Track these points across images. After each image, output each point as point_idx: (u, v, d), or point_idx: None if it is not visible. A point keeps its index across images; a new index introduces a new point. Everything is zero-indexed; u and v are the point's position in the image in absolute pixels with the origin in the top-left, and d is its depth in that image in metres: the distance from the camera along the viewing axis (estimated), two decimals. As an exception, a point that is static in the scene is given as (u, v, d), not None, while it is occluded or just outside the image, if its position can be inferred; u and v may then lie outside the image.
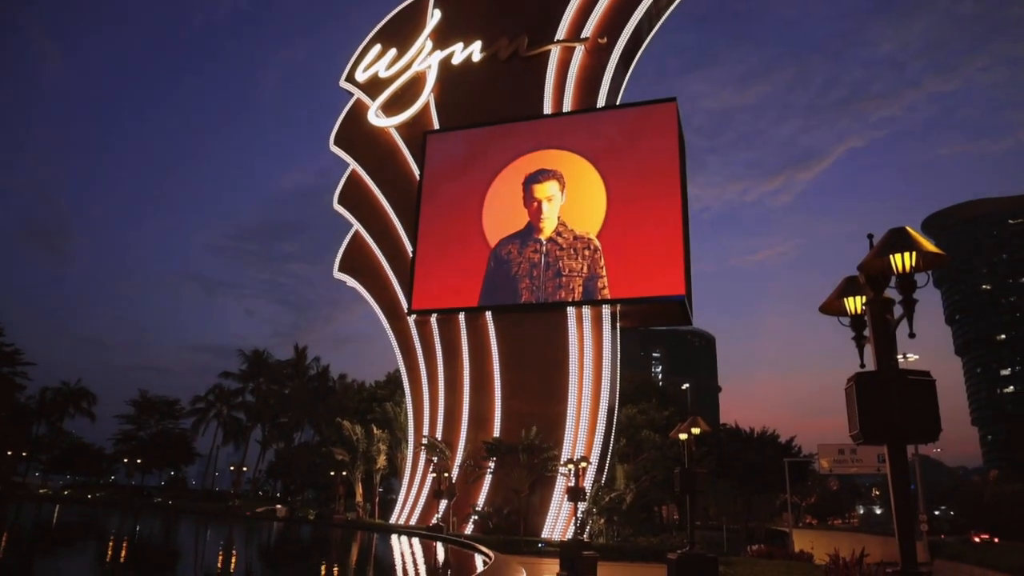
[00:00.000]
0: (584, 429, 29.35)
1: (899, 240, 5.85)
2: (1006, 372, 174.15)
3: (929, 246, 5.80)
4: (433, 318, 33.32)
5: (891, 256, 5.75)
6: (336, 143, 39.20)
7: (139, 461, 72.47)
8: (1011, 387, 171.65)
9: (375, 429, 42.01)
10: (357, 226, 37.18)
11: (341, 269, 36.95)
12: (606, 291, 29.83)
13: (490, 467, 29.95)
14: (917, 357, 63.79)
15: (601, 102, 34.47)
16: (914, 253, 5.78)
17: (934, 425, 6.14)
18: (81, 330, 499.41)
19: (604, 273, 29.98)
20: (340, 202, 37.97)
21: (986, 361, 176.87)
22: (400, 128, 37.61)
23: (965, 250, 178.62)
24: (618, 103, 35.72)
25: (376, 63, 39.29)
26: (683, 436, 13.06)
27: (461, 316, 32.69)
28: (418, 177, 35.31)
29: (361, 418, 46.78)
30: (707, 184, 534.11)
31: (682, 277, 28.63)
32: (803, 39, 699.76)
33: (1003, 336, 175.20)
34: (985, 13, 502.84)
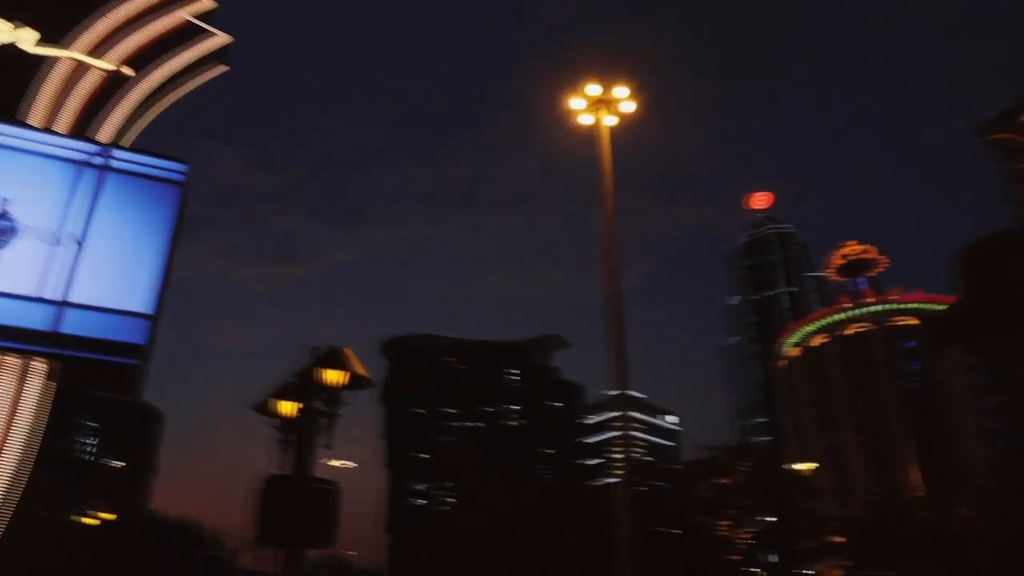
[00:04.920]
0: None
1: (334, 358, 6.56)
2: (420, 487, 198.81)
3: (360, 369, 6.64)
4: None
5: (324, 371, 6.40)
6: None
7: None
8: (422, 500, 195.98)
9: None
10: None
11: None
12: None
13: None
14: (356, 464, 68.42)
15: (107, 135, 31.31)
16: (346, 372, 6.53)
17: (331, 532, 6.73)
18: None
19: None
20: None
21: (405, 475, 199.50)
22: None
23: (410, 374, 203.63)
24: (127, 145, 32.83)
25: None
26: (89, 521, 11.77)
27: None
28: None
29: None
30: (200, 254, 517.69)
31: (144, 338, 26.51)
32: (333, 150, 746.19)
33: (425, 455, 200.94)
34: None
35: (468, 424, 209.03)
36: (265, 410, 6.00)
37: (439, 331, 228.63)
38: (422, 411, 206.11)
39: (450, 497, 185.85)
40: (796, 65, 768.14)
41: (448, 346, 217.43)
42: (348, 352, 6.85)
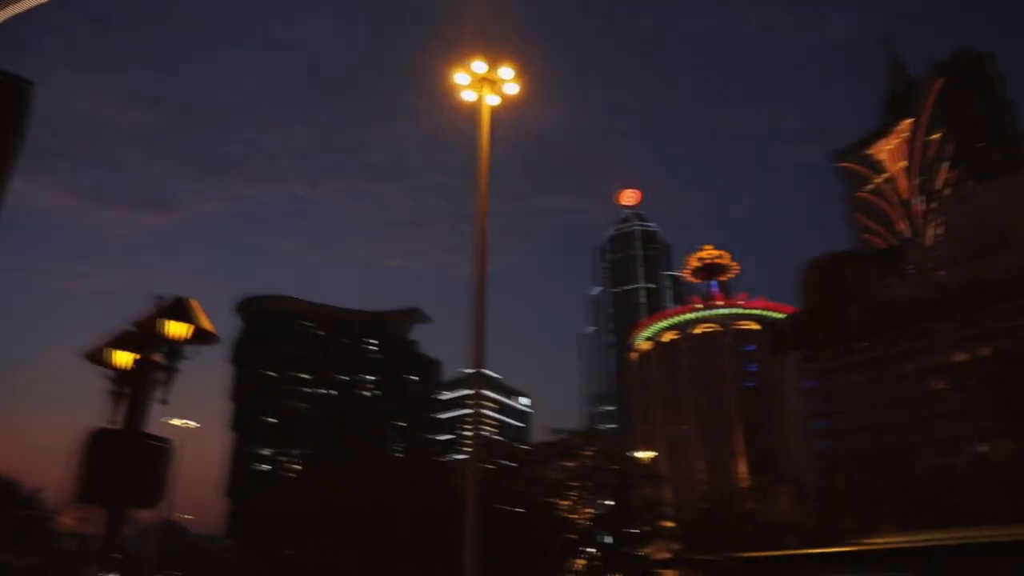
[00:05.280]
0: None
1: (179, 310, 6.04)
2: (266, 452, 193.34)
3: (206, 323, 6.15)
4: None
5: (167, 322, 5.88)
6: None
7: None
8: (267, 466, 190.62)
9: None
10: None
11: None
12: None
13: None
14: (199, 425, 65.59)
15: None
16: (191, 326, 6.04)
17: (158, 491, 6.24)
18: None
19: None
20: None
21: (252, 439, 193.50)
22: None
23: (265, 335, 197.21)
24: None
25: None
26: None
27: None
28: None
29: None
30: (50, 190, 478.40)
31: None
32: (208, 95, 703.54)
33: (274, 420, 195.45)
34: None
35: (321, 391, 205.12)
36: (98, 359, 5.46)
37: (302, 295, 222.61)
38: (274, 374, 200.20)
39: (296, 464, 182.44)
40: (679, 72, 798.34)
41: (308, 311, 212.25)
42: (195, 304, 6.36)
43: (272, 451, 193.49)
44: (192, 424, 62.88)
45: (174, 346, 5.91)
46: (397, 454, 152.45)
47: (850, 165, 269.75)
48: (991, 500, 55.00)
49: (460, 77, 22.52)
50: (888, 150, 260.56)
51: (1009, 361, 56.55)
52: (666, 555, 76.26)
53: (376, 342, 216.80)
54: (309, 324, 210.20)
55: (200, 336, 6.09)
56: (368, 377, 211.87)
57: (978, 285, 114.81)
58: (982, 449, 76.81)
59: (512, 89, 22.76)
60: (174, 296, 6.26)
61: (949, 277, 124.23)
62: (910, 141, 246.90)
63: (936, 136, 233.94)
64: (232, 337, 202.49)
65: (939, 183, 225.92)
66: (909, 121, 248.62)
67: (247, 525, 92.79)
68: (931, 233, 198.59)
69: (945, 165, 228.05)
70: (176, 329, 5.91)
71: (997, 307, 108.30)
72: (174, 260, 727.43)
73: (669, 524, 77.51)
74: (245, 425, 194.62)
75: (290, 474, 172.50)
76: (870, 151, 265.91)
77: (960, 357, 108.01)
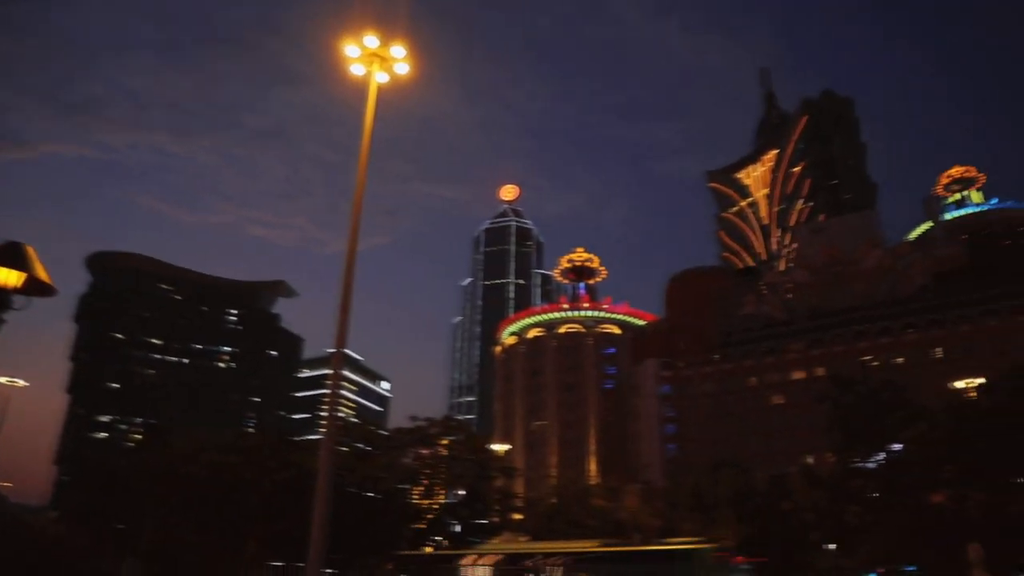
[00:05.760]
0: None
1: (11, 255, 5.36)
2: (105, 419, 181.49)
3: (42, 273, 5.50)
4: None
5: (-2, 267, 5.30)
6: None
7: None
8: (104, 433, 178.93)
9: None
10: None
11: None
12: None
13: None
14: (27, 384, 60.40)
15: None
16: (23, 274, 5.39)
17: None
18: None
19: None
20: None
21: (90, 403, 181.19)
22: None
23: (115, 295, 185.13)
24: None
25: None
26: None
27: None
28: None
29: None
30: None
31: None
32: (76, 25, 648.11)
33: (116, 385, 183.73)
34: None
35: (172, 359, 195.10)
36: None
37: (160, 255, 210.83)
38: (122, 336, 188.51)
39: (138, 433, 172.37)
40: (571, 77, 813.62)
41: (166, 273, 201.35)
42: (31, 251, 5.73)
43: (112, 418, 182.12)
44: (20, 382, 57.80)
45: (2, 295, 5.28)
46: (249, 429, 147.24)
47: (720, 187, 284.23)
48: (815, 507, 59.53)
49: (351, 49, 21.87)
50: (755, 176, 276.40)
51: (840, 383, 61.19)
52: (515, 546, 77.63)
53: (237, 312, 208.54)
54: (166, 287, 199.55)
55: (33, 286, 5.48)
56: (225, 348, 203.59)
57: (822, 310, 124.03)
58: (809, 461, 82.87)
59: (403, 69, 22.31)
60: (6, 240, 5.61)
61: (797, 301, 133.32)
62: (774, 171, 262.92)
63: (798, 169, 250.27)
64: (79, 293, 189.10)
65: (794, 216, 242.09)
66: (775, 152, 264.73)
67: (77, 496, 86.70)
68: (784, 259, 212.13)
69: (801, 199, 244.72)
70: (5, 276, 5.28)
71: (836, 331, 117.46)
72: (16, 203, 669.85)
73: (518, 516, 78.89)
74: (84, 388, 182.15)
75: (130, 444, 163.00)
76: (739, 175, 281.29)
77: (799, 375, 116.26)
